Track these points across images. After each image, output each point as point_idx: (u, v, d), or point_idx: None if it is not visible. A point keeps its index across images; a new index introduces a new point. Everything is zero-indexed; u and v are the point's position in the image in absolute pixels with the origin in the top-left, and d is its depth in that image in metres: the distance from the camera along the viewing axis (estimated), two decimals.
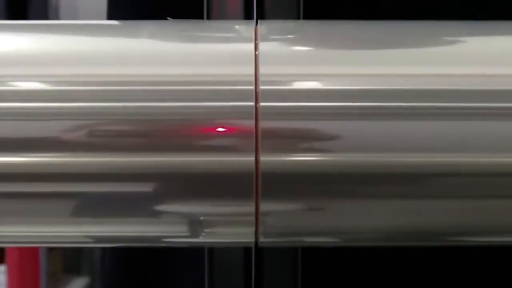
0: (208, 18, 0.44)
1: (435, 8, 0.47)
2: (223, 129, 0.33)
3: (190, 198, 0.34)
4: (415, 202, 0.35)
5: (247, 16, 0.44)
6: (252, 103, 0.33)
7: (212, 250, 0.46)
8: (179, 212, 0.35)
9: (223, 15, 0.44)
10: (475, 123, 0.34)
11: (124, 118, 0.33)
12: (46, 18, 1.69)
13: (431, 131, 0.33)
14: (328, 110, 0.34)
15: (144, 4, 0.52)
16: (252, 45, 0.35)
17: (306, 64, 0.35)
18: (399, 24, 0.39)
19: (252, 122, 0.33)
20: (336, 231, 0.36)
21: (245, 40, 0.35)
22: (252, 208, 0.34)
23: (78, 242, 0.39)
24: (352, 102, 0.34)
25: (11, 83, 0.34)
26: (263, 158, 0.33)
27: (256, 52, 0.34)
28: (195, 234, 0.35)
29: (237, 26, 0.38)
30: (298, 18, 0.43)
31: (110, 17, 0.55)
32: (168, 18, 0.39)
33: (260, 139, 0.33)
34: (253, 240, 0.35)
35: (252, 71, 0.34)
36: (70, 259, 1.82)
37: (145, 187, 0.34)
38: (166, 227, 0.36)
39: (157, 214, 0.35)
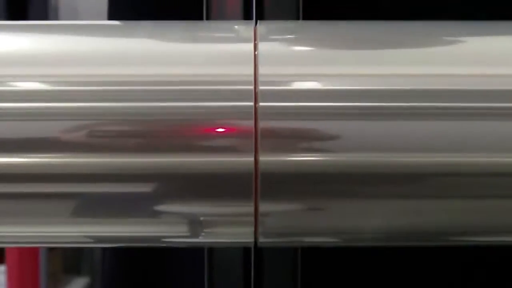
0: (208, 18, 0.44)
1: (435, 8, 0.47)
2: (222, 129, 0.33)
3: (190, 198, 0.34)
4: (415, 202, 0.35)
5: (247, 16, 0.44)
6: (252, 103, 0.33)
7: (212, 250, 0.46)
8: (179, 212, 0.35)
9: (222, 16, 0.44)
10: (475, 123, 0.34)
11: (124, 118, 0.33)
12: (46, 18, 1.69)
13: (431, 131, 0.33)
14: (328, 110, 0.34)
15: (144, 4, 0.52)
16: (251, 45, 0.35)
17: (305, 64, 0.35)
18: (399, 24, 0.39)
19: (252, 122, 0.33)
20: (335, 231, 0.36)
21: (245, 40, 0.35)
22: (251, 208, 0.34)
23: (78, 242, 0.39)
24: (352, 102, 0.34)
25: (11, 83, 0.34)
26: (263, 158, 0.33)
27: (256, 52, 0.34)
28: (195, 234, 0.35)
29: (236, 26, 0.38)
30: (297, 18, 0.43)
31: (110, 17, 0.55)
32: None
33: (260, 139, 0.33)
34: (252, 240, 0.35)
35: (251, 71, 0.34)
36: (70, 259, 1.82)
37: (144, 188, 0.34)
38: (166, 227, 0.36)
39: (157, 214, 0.35)
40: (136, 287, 0.55)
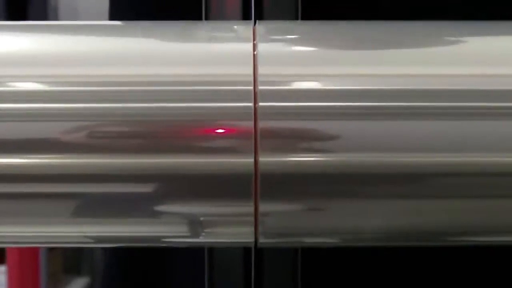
0: (207, 18, 0.44)
1: (435, 8, 0.47)
2: (222, 130, 0.33)
3: (190, 198, 0.34)
4: (415, 202, 0.35)
5: (246, 16, 0.44)
6: (251, 104, 0.33)
7: (212, 250, 0.46)
8: (179, 213, 0.35)
9: (221, 16, 0.44)
10: (475, 123, 0.34)
11: (124, 119, 0.33)
12: (46, 18, 1.69)
13: (431, 131, 0.33)
14: (328, 110, 0.34)
15: (143, 4, 0.52)
16: (250, 45, 0.35)
17: (305, 64, 0.35)
18: (399, 24, 0.39)
19: (251, 123, 0.33)
20: (335, 231, 0.36)
21: (244, 40, 0.35)
22: (251, 209, 0.34)
23: (78, 243, 0.39)
24: (352, 102, 0.34)
25: (11, 83, 0.34)
26: (262, 158, 0.33)
27: (255, 52, 0.34)
28: (195, 234, 0.35)
29: (235, 26, 0.38)
30: (296, 18, 0.43)
31: (110, 17, 0.55)
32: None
33: (259, 139, 0.33)
34: (252, 240, 0.35)
35: (250, 71, 0.34)
36: (70, 259, 1.82)
37: (145, 188, 0.34)
38: (167, 228, 0.36)
39: (157, 215, 0.35)
40: (136, 287, 0.55)
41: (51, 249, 1.67)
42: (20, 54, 0.35)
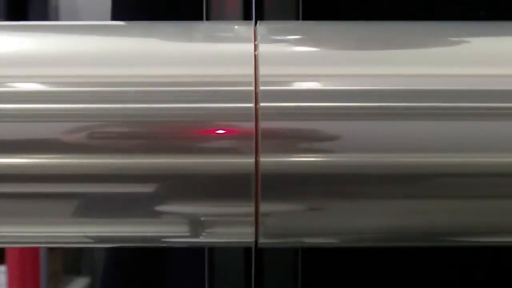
0: (207, 18, 0.44)
1: (435, 8, 0.47)
2: (223, 131, 0.33)
3: (191, 199, 0.34)
4: (415, 202, 0.35)
5: (246, 16, 0.44)
6: (252, 104, 0.33)
7: (212, 250, 0.46)
8: (180, 213, 0.35)
9: (222, 16, 0.44)
10: (475, 123, 0.34)
11: (124, 120, 0.33)
12: (46, 18, 1.69)
13: (432, 131, 0.33)
14: (328, 111, 0.33)
15: (143, 4, 0.52)
16: (251, 46, 0.35)
17: (306, 64, 0.35)
18: (399, 24, 0.39)
19: (252, 123, 0.33)
20: (336, 232, 0.36)
21: (245, 40, 0.35)
22: (252, 209, 0.34)
23: (78, 242, 0.39)
24: (352, 102, 0.34)
25: (11, 84, 0.34)
26: (263, 159, 0.33)
27: (256, 53, 0.34)
28: (195, 234, 0.35)
29: (236, 27, 0.38)
30: (297, 18, 0.43)
31: (110, 17, 0.55)
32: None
33: (260, 140, 0.33)
34: (253, 240, 0.35)
35: (251, 71, 0.34)
36: (71, 259, 1.82)
37: (145, 188, 0.34)
38: (167, 228, 0.36)
39: (157, 215, 0.35)
40: (136, 287, 0.55)
41: (51, 249, 1.67)
42: (20, 54, 0.35)
